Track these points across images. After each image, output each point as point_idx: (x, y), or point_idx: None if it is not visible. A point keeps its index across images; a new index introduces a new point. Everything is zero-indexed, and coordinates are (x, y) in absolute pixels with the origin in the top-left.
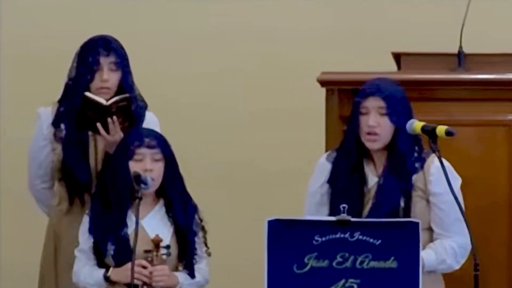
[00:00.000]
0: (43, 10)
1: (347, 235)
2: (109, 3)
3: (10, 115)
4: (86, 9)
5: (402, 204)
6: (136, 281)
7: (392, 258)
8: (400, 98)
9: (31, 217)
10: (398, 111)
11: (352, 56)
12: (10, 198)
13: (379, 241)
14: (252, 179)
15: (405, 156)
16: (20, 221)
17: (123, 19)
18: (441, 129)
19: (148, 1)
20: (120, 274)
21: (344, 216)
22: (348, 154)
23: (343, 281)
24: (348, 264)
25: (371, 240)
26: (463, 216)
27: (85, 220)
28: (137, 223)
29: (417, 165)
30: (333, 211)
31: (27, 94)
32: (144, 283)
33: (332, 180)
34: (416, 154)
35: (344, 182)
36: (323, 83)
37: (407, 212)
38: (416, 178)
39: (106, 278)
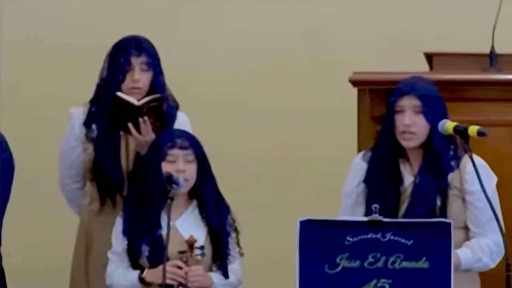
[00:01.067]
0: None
1: (378, 235)
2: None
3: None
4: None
5: (438, 203)
6: (171, 282)
7: (424, 258)
8: (435, 97)
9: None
10: (434, 110)
11: (384, 56)
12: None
13: (411, 241)
14: (284, 179)
15: (440, 154)
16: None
17: (152, 20)
18: (473, 129)
19: (179, 1)
20: (154, 275)
21: (375, 217)
22: (383, 153)
23: (374, 281)
24: (379, 264)
25: (403, 240)
26: (495, 216)
27: (118, 222)
28: (168, 223)
29: (453, 163)
30: (369, 210)
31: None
32: (180, 284)
33: (368, 180)
34: (451, 153)
35: (380, 181)
36: (355, 83)
37: (443, 211)
38: (452, 177)
39: (141, 280)
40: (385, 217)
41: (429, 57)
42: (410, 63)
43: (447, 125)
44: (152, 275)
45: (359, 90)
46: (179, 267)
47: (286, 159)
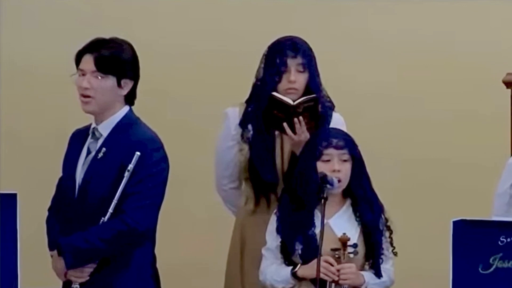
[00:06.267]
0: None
1: None
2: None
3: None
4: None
5: None
6: (324, 277)
7: None
8: None
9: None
10: None
11: None
12: None
13: None
14: (437, 179)
15: None
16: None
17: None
18: None
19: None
20: (307, 270)
21: None
22: None
23: None
24: None
25: None
26: None
27: (273, 219)
28: (322, 223)
29: None
30: None
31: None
32: (332, 280)
33: None
34: None
35: None
36: (508, 84)
37: None
38: None
39: (293, 274)
40: None
41: None
42: None
43: None
44: (305, 270)
45: None
46: (331, 264)
47: (439, 160)
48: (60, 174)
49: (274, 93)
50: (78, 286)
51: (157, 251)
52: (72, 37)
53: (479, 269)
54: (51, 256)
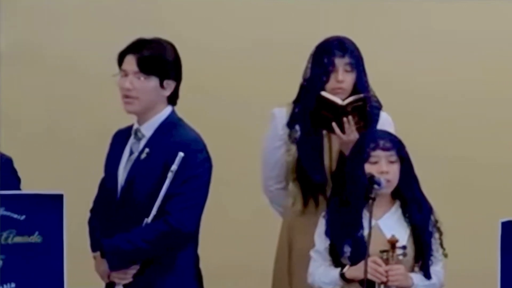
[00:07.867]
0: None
1: None
2: None
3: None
4: None
5: None
6: (372, 278)
7: None
8: None
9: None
10: None
11: None
12: None
13: None
14: (486, 180)
15: None
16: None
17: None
18: None
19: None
20: (356, 271)
21: None
22: None
23: None
24: None
25: None
26: None
27: (321, 222)
28: (370, 223)
29: None
30: None
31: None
32: (381, 282)
33: None
34: None
35: None
36: None
37: None
38: None
39: (341, 275)
40: None
41: None
42: None
43: None
44: (354, 271)
45: None
46: (379, 265)
47: (487, 160)
48: (102, 175)
49: (323, 93)
50: (121, 287)
51: (200, 252)
52: (117, 36)
53: None
54: (94, 257)
